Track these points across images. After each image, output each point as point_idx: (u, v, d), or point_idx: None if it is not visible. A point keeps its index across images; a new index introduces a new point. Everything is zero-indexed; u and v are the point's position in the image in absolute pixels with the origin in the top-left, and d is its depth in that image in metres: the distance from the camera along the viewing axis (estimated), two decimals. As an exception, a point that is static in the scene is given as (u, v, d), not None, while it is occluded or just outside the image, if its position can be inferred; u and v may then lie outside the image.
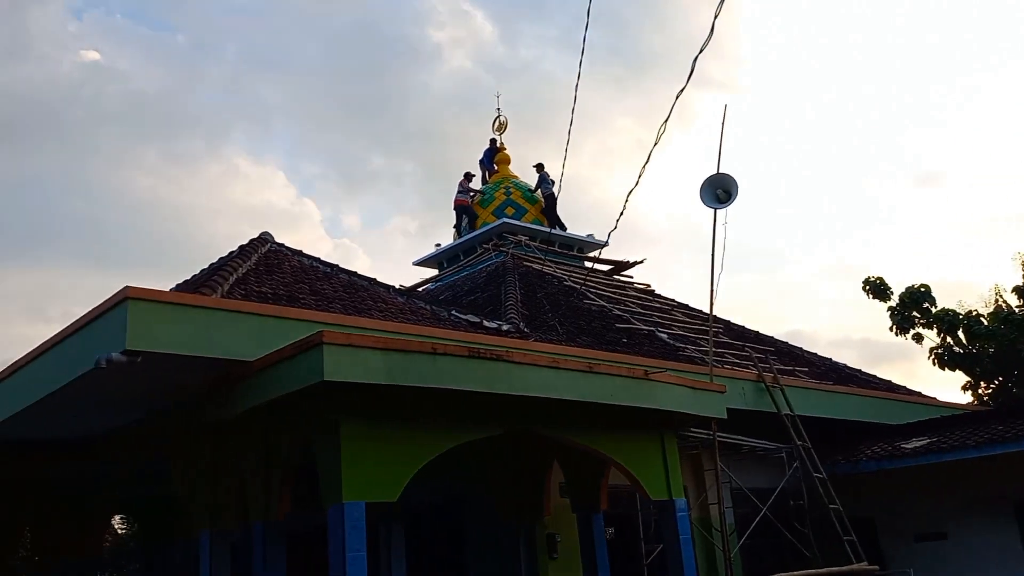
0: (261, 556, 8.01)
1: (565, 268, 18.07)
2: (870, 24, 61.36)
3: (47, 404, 8.65)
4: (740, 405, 12.20)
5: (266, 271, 11.15)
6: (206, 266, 12.54)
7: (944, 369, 25.00)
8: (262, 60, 65.38)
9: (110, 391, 8.49)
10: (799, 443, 12.72)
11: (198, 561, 14.89)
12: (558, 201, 20.08)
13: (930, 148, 59.89)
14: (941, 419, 14.68)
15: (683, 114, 62.77)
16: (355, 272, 12.40)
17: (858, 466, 13.67)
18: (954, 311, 24.79)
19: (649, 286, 19.32)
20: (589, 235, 20.08)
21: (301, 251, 12.91)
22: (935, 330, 25.15)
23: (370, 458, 7.43)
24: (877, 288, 26.07)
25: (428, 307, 11.87)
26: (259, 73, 65.65)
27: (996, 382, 24.60)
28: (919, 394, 17.27)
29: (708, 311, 13.12)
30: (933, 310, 24.96)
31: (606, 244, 19.80)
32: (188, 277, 12.27)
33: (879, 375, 18.15)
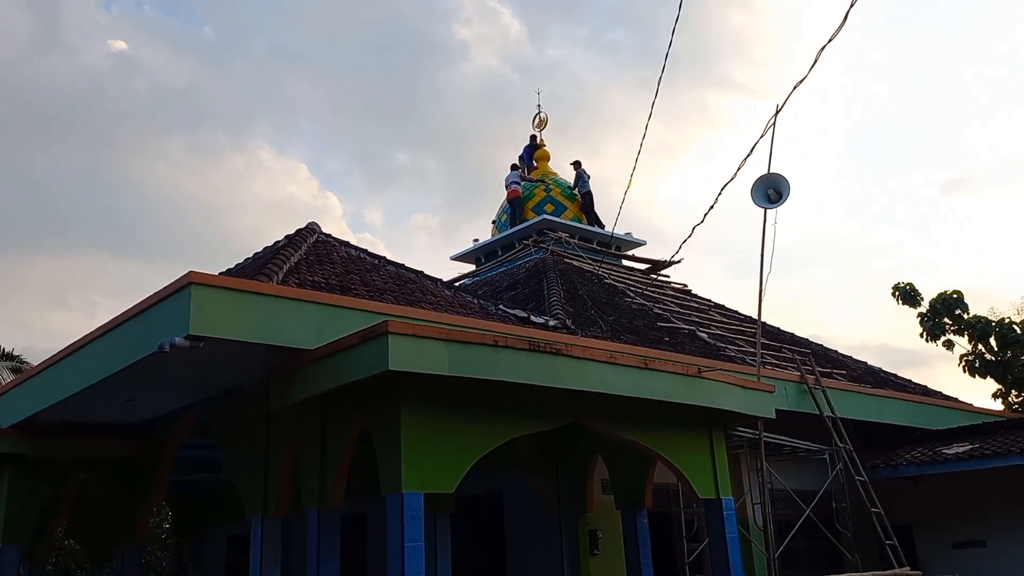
0: (315, 543, 7.94)
1: (604, 266, 17.92)
2: (895, 28, 60.73)
3: (105, 386, 8.63)
4: (783, 406, 12.01)
5: (316, 261, 11.08)
6: (249, 256, 12.55)
7: (975, 376, 24.64)
8: (288, 55, 65.65)
9: (169, 375, 8.48)
10: (842, 446, 12.52)
11: (236, 550, 15.05)
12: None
13: (959, 152, 59.20)
14: (983, 425, 14.42)
15: (708, 117, 62.44)
16: (402, 264, 12.31)
17: (898, 471, 13.44)
18: (986, 318, 24.43)
19: (686, 286, 19.15)
20: (627, 233, 19.92)
21: (348, 242, 12.84)
22: (966, 337, 24.83)
23: (429, 449, 7.36)
24: (907, 294, 25.71)
25: (475, 301, 11.76)
26: (285, 68, 65.93)
27: (1028, 390, 24.19)
28: (956, 400, 16.99)
29: (756, 311, 12.93)
30: (965, 317, 24.62)
31: (644, 243, 19.67)
32: (231, 266, 12.28)
33: (903, 382, 17.90)
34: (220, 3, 65.24)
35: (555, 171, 21.55)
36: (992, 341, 24.27)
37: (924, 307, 25.39)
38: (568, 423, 8.73)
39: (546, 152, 21.91)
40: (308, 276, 10.07)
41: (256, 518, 8.68)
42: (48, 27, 54.83)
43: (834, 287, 57.97)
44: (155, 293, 7.85)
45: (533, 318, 11.42)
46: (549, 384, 7.76)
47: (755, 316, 17.13)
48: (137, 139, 59.23)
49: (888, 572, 11.36)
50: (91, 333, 8.86)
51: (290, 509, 8.67)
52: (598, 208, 20.45)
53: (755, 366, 12.10)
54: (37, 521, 11.02)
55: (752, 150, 7.79)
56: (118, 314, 8.37)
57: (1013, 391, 24.57)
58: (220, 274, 10.78)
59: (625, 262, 20.16)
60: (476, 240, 20.78)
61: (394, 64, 66.15)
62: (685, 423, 9.56)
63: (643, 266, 19.99)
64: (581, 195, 20.26)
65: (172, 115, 59.29)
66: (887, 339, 57.80)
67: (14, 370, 23.92)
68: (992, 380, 24.64)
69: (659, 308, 15.61)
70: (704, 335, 14.51)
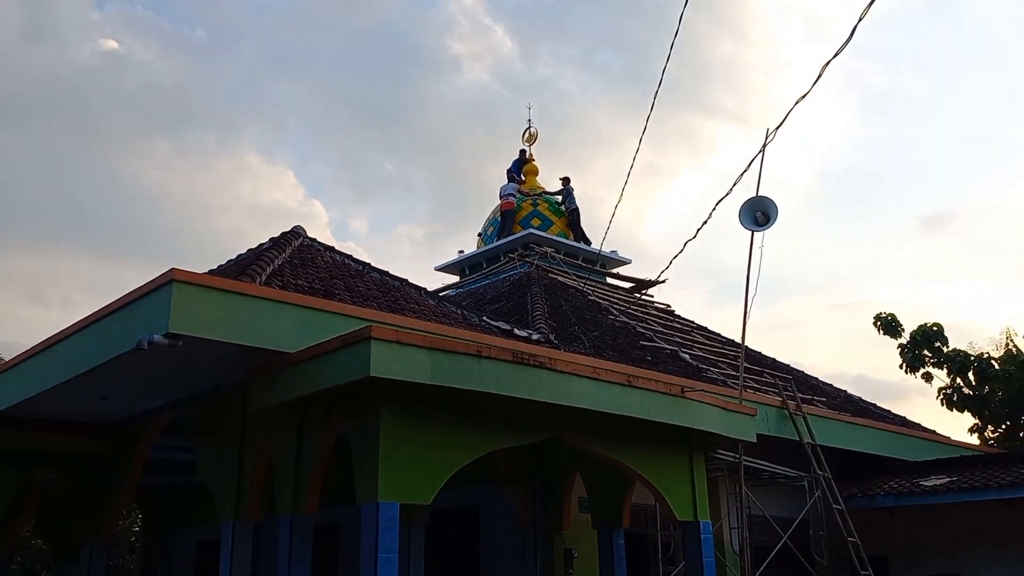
0: (287, 549, 7.82)
1: (588, 283, 17.90)
2: (878, 60, 61.44)
3: (81, 381, 8.49)
4: (763, 431, 11.97)
5: (301, 264, 10.99)
6: (232, 258, 12.43)
7: (952, 410, 24.78)
8: (280, 60, 65.47)
9: (146, 373, 8.36)
10: (821, 473, 12.49)
11: (206, 554, 14.81)
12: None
13: (940, 189, 59.80)
14: (960, 458, 14.46)
15: (695, 142, 62.84)
16: (386, 272, 12.22)
17: (875, 500, 13.43)
18: (965, 352, 24.59)
19: (669, 306, 19.15)
20: (613, 251, 19.92)
21: (333, 247, 12.75)
22: (945, 370, 24.97)
23: (407, 458, 7.26)
24: (888, 324, 25.88)
25: (459, 311, 11.69)
26: (276, 72, 65.74)
27: (1005, 426, 24.36)
28: (934, 432, 17.04)
29: (737, 335, 12.90)
30: (945, 349, 24.77)
31: (629, 261, 19.66)
32: (214, 267, 12.15)
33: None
34: (213, 5, 65.05)
35: (543, 186, 21.55)
36: (970, 375, 24.44)
37: (905, 338, 25.56)
38: (548, 438, 8.66)
39: (535, 167, 21.92)
40: (292, 279, 9.97)
41: (228, 522, 8.53)
42: (40, 20, 54.50)
43: (813, 316, 58.28)
44: (136, 289, 7.74)
45: (516, 331, 11.36)
46: (531, 397, 7.70)
47: (737, 340, 17.21)
48: (124, 137, 58.90)
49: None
50: (69, 328, 8.72)
51: (262, 514, 8.54)
52: (584, 225, 20.46)
53: (737, 389, 12.07)
54: (2, 518, 10.80)
55: (749, 166, 7.86)
56: (97, 309, 8.24)
57: (990, 426, 24.72)
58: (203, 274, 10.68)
59: (609, 280, 20.16)
60: (461, 251, 20.73)
61: (385, 74, 66.20)
62: (666, 443, 9.50)
63: (627, 285, 20.00)
64: (568, 211, 20.26)
65: (160, 115, 58.97)
66: (865, 370, 58.00)
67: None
68: (969, 414, 24.79)
69: (642, 327, 15.58)
70: (686, 356, 14.48)
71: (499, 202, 20.56)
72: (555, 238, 19.48)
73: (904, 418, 17.57)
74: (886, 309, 25.90)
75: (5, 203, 53.44)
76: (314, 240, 12.55)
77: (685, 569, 10.07)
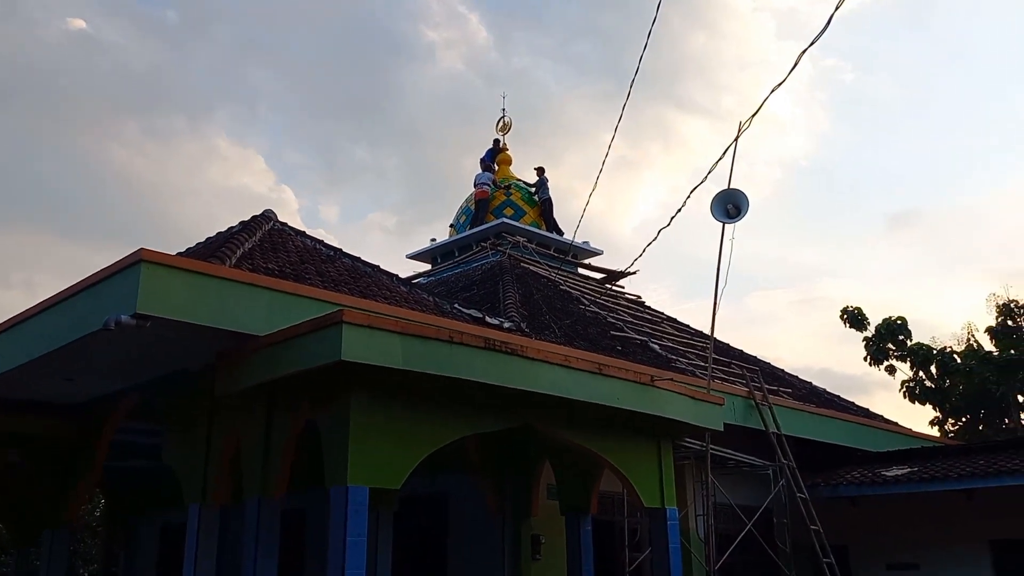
0: (254, 533, 7.76)
1: (560, 273, 17.94)
2: (848, 59, 62.05)
3: (45, 362, 8.36)
4: (730, 420, 12.09)
5: (271, 249, 10.90)
6: (201, 241, 12.28)
7: (915, 402, 25.28)
8: (253, 44, 64.79)
9: (113, 354, 8.24)
10: (785, 462, 12.65)
11: (170, 539, 14.69)
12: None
13: (905, 187, 60.58)
14: (922, 449, 14.70)
15: (667, 135, 63.08)
16: (358, 258, 12.17)
17: (837, 490, 13.62)
18: (928, 346, 25.07)
19: (639, 297, 19.25)
20: (585, 242, 19.97)
21: (304, 232, 12.66)
22: (908, 363, 25.43)
23: (377, 443, 7.24)
24: (855, 318, 26.34)
25: (431, 298, 11.66)
26: (249, 57, 65.06)
27: (964, 419, 24.85)
28: (896, 424, 17.30)
29: (704, 328, 12.99)
30: (908, 343, 25.22)
31: (600, 252, 19.72)
32: (182, 250, 12.00)
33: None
34: (185, -14, 64.15)
35: (516, 175, 21.54)
36: (932, 369, 24.92)
37: (870, 331, 25.99)
38: (518, 425, 8.67)
39: (508, 156, 21.88)
40: (262, 263, 9.88)
41: (194, 506, 8.46)
42: (6, -2, 53.35)
43: (780, 311, 58.89)
44: (104, 269, 7.62)
45: (488, 319, 11.36)
46: (502, 384, 7.71)
47: (704, 332, 17.35)
48: (92, 119, 57.98)
49: (824, 589, 11.50)
50: (34, 307, 8.58)
51: (229, 499, 8.48)
52: (556, 216, 20.49)
53: (705, 379, 12.17)
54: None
55: (724, 155, 7.87)
56: (64, 289, 8.11)
57: (950, 419, 25.23)
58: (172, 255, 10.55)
59: (581, 270, 20.20)
60: (433, 240, 20.67)
61: (359, 60, 65.75)
62: (635, 431, 9.57)
63: (598, 275, 20.06)
64: (541, 201, 20.27)
65: (130, 97, 58.17)
66: (829, 364, 58.81)
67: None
68: (930, 407, 25.28)
69: (613, 317, 15.65)
70: (656, 346, 14.57)
71: (473, 191, 20.53)
72: (528, 228, 19.48)
73: (867, 410, 17.82)
74: (852, 303, 26.34)
75: (-33, 183, 52.43)
76: (285, 224, 12.43)
77: (651, 555, 10.16)
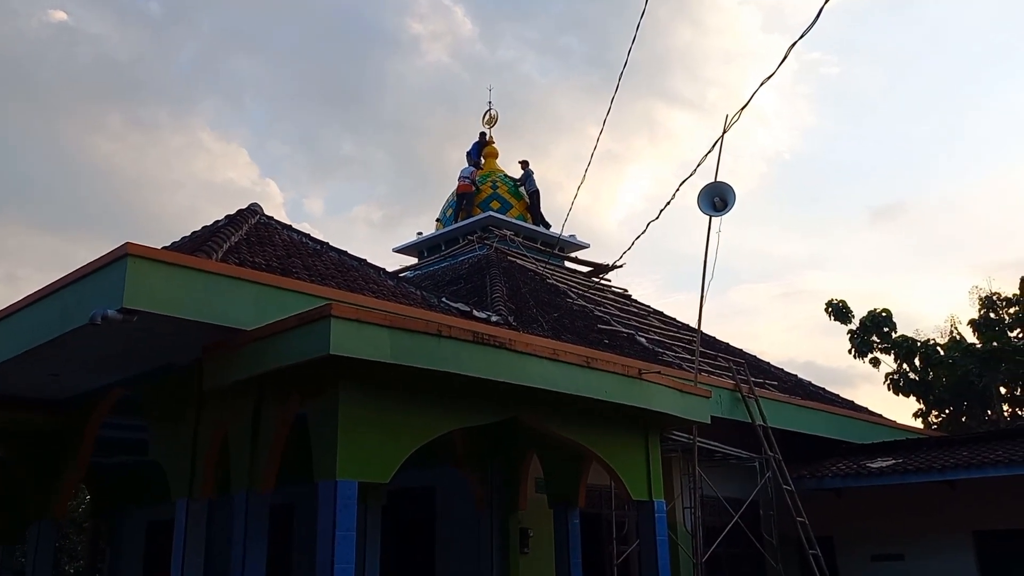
0: (243, 528, 7.75)
1: (547, 266, 17.95)
2: (832, 53, 62.27)
3: (30, 358, 8.30)
4: (717, 413, 12.13)
5: (257, 242, 10.84)
6: (186, 235, 12.21)
7: (898, 394, 25.49)
8: (238, 36, 64.41)
9: (99, 349, 8.19)
10: (771, 455, 12.72)
11: (156, 535, 14.63)
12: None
13: (889, 180, 60.91)
14: (906, 441, 14.81)
15: (653, 129, 63.15)
16: (345, 251, 12.12)
17: (823, 482, 13.70)
18: (912, 338, 25.24)
19: (626, 291, 19.29)
20: (571, 235, 19.99)
21: (290, 225, 12.60)
22: (892, 355, 25.61)
23: (366, 437, 7.24)
24: (839, 310, 26.47)
25: (418, 292, 11.64)
26: (233, 48, 64.68)
27: (948, 411, 25.06)
28: (881, 416, 17.41)
29: (690, 321, 13.03)
30: (893, 335, 25.39)
31: (587, 246, 19.75)
32: (167, 244, 11.93)
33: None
34: (168, -23, 63.63)
35: (502, 168, 21.51)
36: (916, 361, 25.10)
37: (855, 324, 26.14)
38: (506, 418, 8.68)
39: (494, 149, 21.86)
40: (248, 257, 9.83)
41: (181, 500, 8.43)
42: (-15, -12, 52.75)
43: (765, 304, 59.16)
44: (89, 263, 7.58)
45: (475, 313, 11.35)
46: (491, 377, 7.72)
47: (691, 325, 17.40)
48: (74, 110, 57.51)
49: (810, 580, 11.58)
50: (19, 302, 8.51)
51: (216, 493, 8.46)
52: (542, 210, 20.50)
53: (692, 372, 12.21)
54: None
55: (712, 148, 7.88)
56: (48, 284, 8.05)
57: (933, 411, 25.44)
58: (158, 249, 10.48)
59: (568, 264, 20.23)
60: (420, 233, 20.63)
61: (344, 52, 65.46)
62: (622, 424, 9.60)
63: (585, 269, 20.09)
64: (528, 194, 20.27)
65: (112, 88, 57.67)
66: (814, 357, 59.16)
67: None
68: (914, 399, 25.49)
69: (600, 311, 15.68)
70: (643, 339, 14.61)
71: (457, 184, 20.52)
72: (514, 221, 19.48)
73: (852, 402, 17.93)
74: (837, 297, 26.49)
75: (-51, 176, 51.91)
76: (271, 218, 12.38)
77: (639, 548, 10.20)
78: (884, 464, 13.43)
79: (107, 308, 7.04)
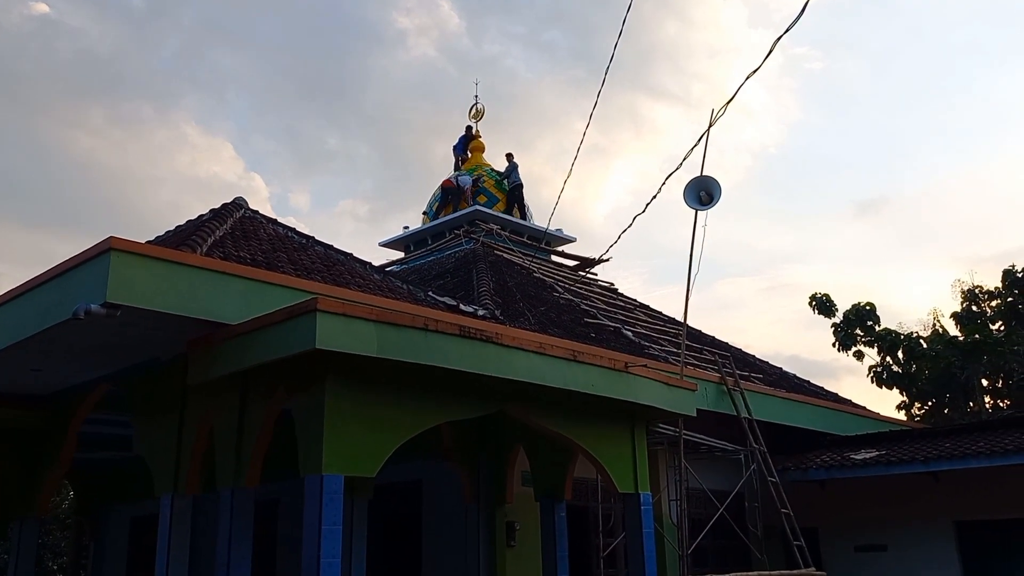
0: (228, 524, 7.71)
1: (534, 260, 17.95)
2: (817, 47, 62.53)
3: (13, 352, 8.24)
4: (703, 406, 12.18)
5: (243, 236, 10.79)
6: (170, 229, 12.13)
7: (882, 387, 25.62)
8: (221, 29, 63.79)
9: (83, 344, 8.13)
10: (756, 447, 12.78)
11: (140, 531, 14.54)
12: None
13: (873, 174, 61.23)
14: (889, 433, 14.91)
15: (638, 123, 63.23)
16: (331, 245, 12.09)
17: (807, 473, 13.78)
18: (896, 331, 25.39)
19: (612, 284, 19.32)
20: (558, 229, 19.99)
21: (276, 220, 12.56)
22: (876, 348, 25.76)
23: (352, 431, 7.22)
24: (823, 304, 26.59)
25: (404, 286, 11.62)
26: (216, 42, 64.06)
27: (930, 403, 25.24)
28: (864, 408, 17.54)
29: (676, 315, 13.06)
30: (876, 328, 25.53)
31: (573, 240, 19.77)
32: (151, 239, 11.85)
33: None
34: (150, -29, 63.01)
35: (489, 162, 21.48)
36: (899, 354, 25.26)
37: (839, 317, 26.27)
38: (494, 412, 8.69)
39: (481, 143, 21.83)
40: (233, 251, 9.78)
41: (166, 496, 8.39)
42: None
43: (749, 297, 59.37)
44: (72, 258, 7.52)
45: (462, 307, 11.35)
46: (478, 371, 7.71)
47: (677, 318, 17.46)
48: (55, 105, 56.90)
49: (794, 572, 11.65)
50: (1, 296, 8.43)
51: (202, 489, 8.42)
52: (528, 204, 20.50)
53: (678, 365, 12.24)
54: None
55: (698, 142, 7.92)
56: (31, 278, 7.97)
57: (916, 403, 25.62)
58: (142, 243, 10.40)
59: (554, 258, 20.24)
60: (406, 227, 20.60)
61: (329, 46, 65.12)
62: (609, 417, 9.62)
63: (572, 263, 20.11)
64: (511, 187, 20.24)
65: (94, 83, 57.13)
66: (798, 351, 59.48)
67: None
68: (897, 392, 25.65)
69: (586, 304, 15.70)
70: (629, 333, 14.64)
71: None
72: (501, 215, 19.47)
73: (836, 395, 18.04)
74: (821, 290, 26.60)
75: (-74, 170, 51.36)
76: (256, 212, 12.32)
77: (625, 540, 10.23)
78: (868, 456, 13.52)
79: (91, 303, 7.00)
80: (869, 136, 60.27)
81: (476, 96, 22.19)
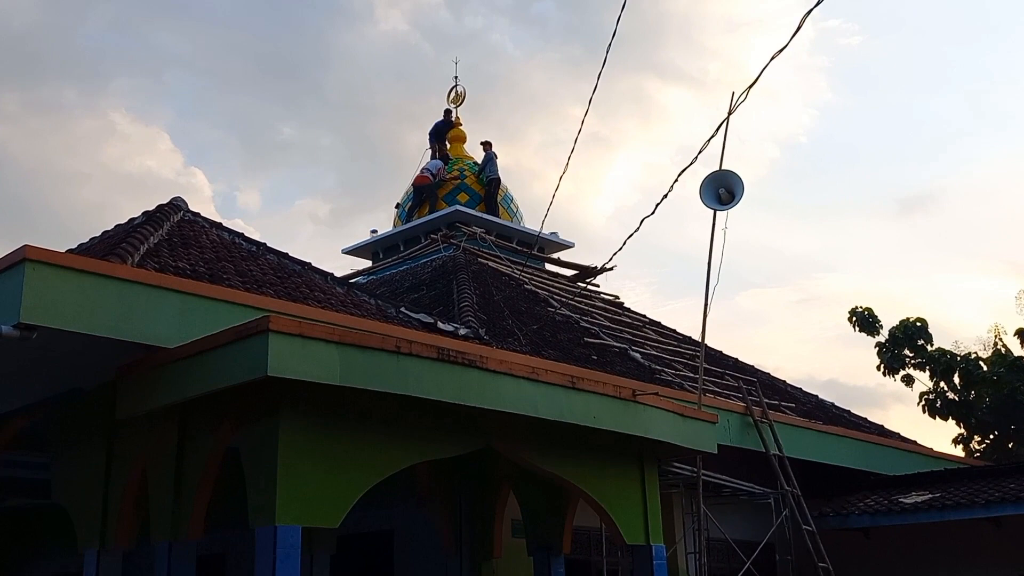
0: (165, 583, 7.72)
1: (524, 269, 18.02)
2: (854, 20, 63.03)
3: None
4: (724, 441, 12.24)
5: (181, 244, 10.86)
6: (96, 235, 12.19)
7: (935, 417, 25.69)
8: (159, 2, 63.95)
9: (-9, 372, 8.11)
10: (789, 489, 12.83)
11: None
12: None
13: (919, 165, 61.70)
14: (944, 472, 15.00)
15: (646, 108, 63.53)
16: (286, 254, 12.17)
17: (848, 520, 13.87)
18: (951, 352, 25.42)
19: (618, 297, 19.42)
20: (553, 233, 20.10)
21: (220, 223, 12.65)
22: (928, 372, 25.80)
23: (311, 474, 7.25)
24: (865, 320, 26.65)
25: (372, 301, 11.68)
26: (152, 16, 63.88)
27: (992, 436, 25.29)
28: (915, 443, 17.64)
29: (691, 332, 13.13)
30: (928, 349, 25.57)
31: (571, 245, 19.86)
32: (73, 247, 11.89)
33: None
34: (73, -69, 63.17)
35: (471, 155, 21.60)
36: (956, 379, 25.28)
37: (883, 336, 26.34)
38: (477, 449, 8.73)
39: (462, 132, 21.97)
40: (170, 261, 9.85)
41: (90, 551, 8.42)
42: None
43: (778, 311, 59.60)
44: (-19, 270, 7.52)
45: (441, 325, 11.41)
46: (459, 401, 7.76)
47: (693, 337, 17.57)
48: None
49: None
50: None
51: (134, 542, 8.43)
52: (519, 203, 20.63)
53: (695, 393, 12.32)
54: None
55: (716, 132, 7.91)
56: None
57: (976, 436, 25.67)
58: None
59: (549, 266, 20.36)
60: (374, 231, 20.70)
61: (285, 19, 65.20)
62: (614, 455, 9.68)
63: (569, 272, 20.20)
64: (488, 181, 20.35)
65: (6, 62, 57.09)
66: (836, 374, 59.66)
67: None
68: (953, 423, 25.70)
69: (587, 321, 15.78)
70: (637, 355, 14.72)
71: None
72: (485, 216, 19.58)
73: (882, 427, 18.15)
74: (861, 303, 26.64)
75: None
76: (197, 215, 12.43)
77: (634, 601, 10.26)
78: (919, 499, 13.60)
79: (1, 324, 7.02)
80: (914, 122, 60.77)
81: (456, 77, 22.38)
